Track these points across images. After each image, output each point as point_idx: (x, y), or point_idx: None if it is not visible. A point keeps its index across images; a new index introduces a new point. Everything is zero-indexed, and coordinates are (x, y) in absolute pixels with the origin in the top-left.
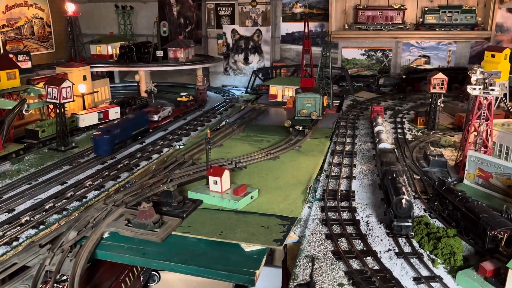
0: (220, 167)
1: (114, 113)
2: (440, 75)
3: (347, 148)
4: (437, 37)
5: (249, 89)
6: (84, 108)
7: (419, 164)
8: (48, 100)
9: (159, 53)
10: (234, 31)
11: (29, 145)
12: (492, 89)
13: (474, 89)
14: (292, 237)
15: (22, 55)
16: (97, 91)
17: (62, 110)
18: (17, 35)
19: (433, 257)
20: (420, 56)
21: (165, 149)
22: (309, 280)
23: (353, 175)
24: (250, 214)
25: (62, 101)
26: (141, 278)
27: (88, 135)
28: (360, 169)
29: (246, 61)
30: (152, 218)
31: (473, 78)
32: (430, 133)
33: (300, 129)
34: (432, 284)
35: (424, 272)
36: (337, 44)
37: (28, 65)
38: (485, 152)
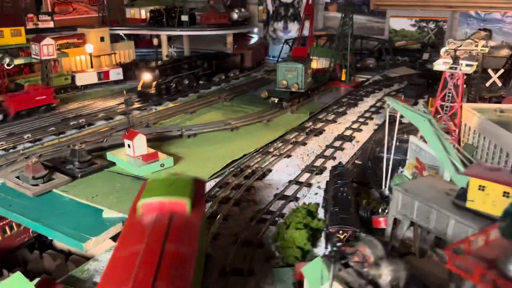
0: (135, 131)
1: (116, 74)
2: None
3: (319, 126)
4: (503, 6)
5: (280, 59)
6: (92, 68)
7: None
8: (33, 56)
9: (184, 18)
10: None
11: None
12: (468, 65)
13: (441, 63)
14: None
15: (43, 15)
16: (115, 53)
17: (46, 67)
18: None
19: None
20: (479, 29)
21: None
22: None
23: (290, 153)
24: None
25: (43, 58)
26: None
27: (85, 94)
28: (310, 149)
29: (285, 29)
30: (36, 173)
31: (443, 50)
32: None
33: (276, 101)
34: None
35: None
36: (385, 12)
37: (50, 24)
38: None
